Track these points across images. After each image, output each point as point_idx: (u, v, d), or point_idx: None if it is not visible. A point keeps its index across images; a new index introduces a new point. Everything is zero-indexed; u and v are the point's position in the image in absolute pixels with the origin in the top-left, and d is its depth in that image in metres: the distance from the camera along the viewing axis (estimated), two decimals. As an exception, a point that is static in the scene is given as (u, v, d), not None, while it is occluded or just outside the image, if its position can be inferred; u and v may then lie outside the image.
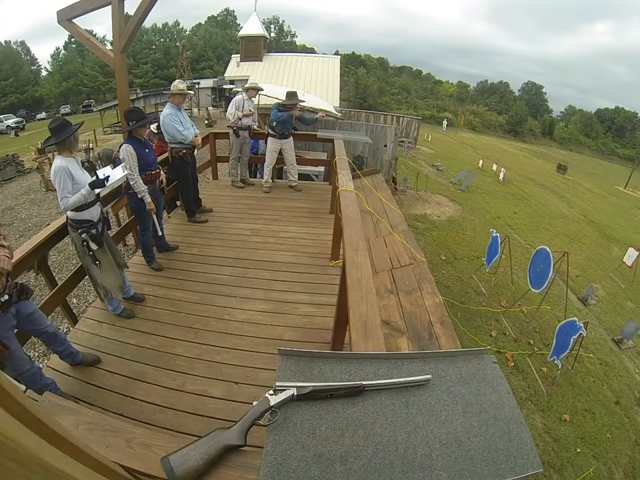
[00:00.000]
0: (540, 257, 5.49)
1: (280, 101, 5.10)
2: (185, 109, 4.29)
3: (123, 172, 2.81)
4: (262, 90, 5.39)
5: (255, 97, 5.20)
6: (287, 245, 3.89)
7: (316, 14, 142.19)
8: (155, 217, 3.30)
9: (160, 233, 3.45)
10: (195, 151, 4.07)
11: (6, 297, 1.79)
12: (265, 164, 5.22)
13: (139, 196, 3.06)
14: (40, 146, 13.04)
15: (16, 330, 1.94)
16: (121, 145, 3.04)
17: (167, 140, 3.94)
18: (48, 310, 2.41)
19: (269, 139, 5.03)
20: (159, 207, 3.41)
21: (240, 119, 4.99)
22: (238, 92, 5.43)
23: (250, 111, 5.05)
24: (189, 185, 4.22)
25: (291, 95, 4.93)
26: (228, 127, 5.11)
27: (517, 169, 20.29)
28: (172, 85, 3.85)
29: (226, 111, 5.27)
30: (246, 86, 5.15)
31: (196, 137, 3.95)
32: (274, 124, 4.90)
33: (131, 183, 3.01)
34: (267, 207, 4.83)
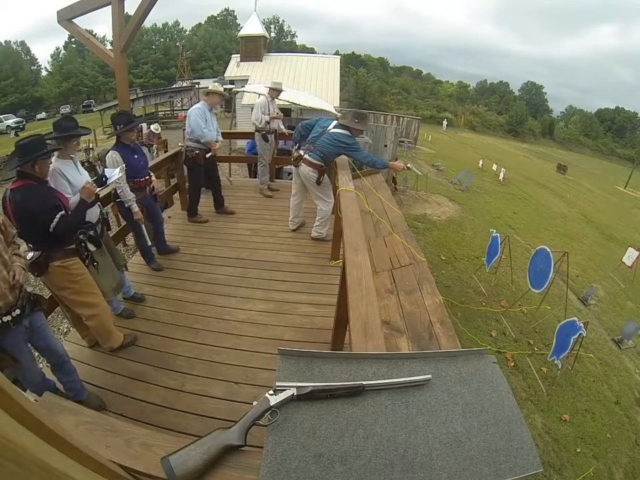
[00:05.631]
0: (540, 257, 5.47)
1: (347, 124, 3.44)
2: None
3: (119, 172, 2.77)
4: (284, 90, 5.09)
5: (277, 98, 4.92)
6: (287, 245, 3.89)
7: (316, 14, 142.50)
8: (143, 226, 3.15)
9: (149, 244, 3.27)
10: (208, 154, 4.04)
11: (17, 311, 1.72)
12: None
13: (126, 205, 2.94)
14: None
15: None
16: (108, 150, 2.94)
17: (185, 133, 3.99)
18: (48, 310, 2.40)
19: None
20: (155, 214, 3.33)
21: (268, 123, 4.74)
22: (261, 95, 5.09)
23: (277, 113, 4.82)
24: (200, 185, 4.25)
25: (363, 118, 3.50)
26: (256, 131, 4.85)
27: (517, 169, 20.26)
28: (211, 84, 3.88)
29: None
30: (269, 86, 4.85)
31: (216, 141, 3.97)
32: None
33: (118, 192, 2.89)
34: (267, 207, 4.83)
